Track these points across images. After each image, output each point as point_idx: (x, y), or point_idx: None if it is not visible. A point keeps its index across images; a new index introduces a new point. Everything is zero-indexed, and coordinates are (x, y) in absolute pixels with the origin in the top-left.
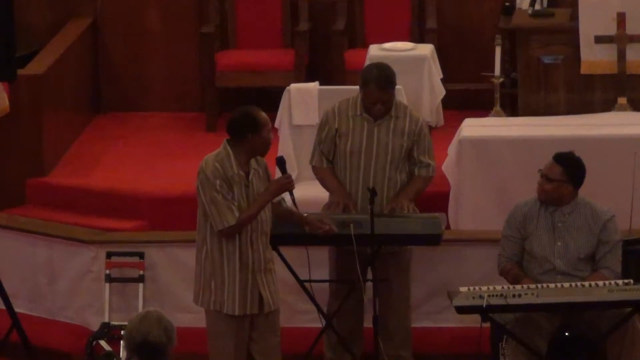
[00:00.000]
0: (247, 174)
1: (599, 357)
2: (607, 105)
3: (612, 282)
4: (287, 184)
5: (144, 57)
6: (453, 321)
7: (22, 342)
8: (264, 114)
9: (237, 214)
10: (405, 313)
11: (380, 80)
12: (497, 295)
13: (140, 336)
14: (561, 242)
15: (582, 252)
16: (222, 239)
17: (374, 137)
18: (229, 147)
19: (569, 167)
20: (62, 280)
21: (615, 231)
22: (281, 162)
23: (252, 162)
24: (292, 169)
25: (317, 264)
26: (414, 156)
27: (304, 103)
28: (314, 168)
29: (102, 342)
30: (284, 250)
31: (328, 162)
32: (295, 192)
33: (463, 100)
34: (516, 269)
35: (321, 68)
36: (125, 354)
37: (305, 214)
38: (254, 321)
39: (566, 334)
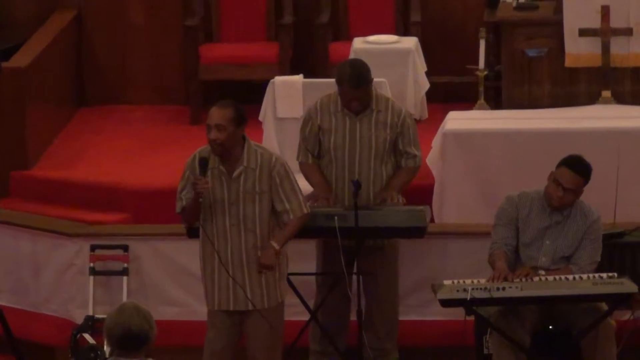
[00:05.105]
0: (231, 171)
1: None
2: (591, 98)
3: (597, 275)
4: (195, 185)
5: (128, 49)
6: (437, 314)
7: (6, 335)
8: (212, 109)
9: (183, 204)
10: (391, 307)
11: (353, 80)
12: (481, 289)
13: (121, 328)
14: (550, 241)
15: (568, 250)
16: (201, 232)
17: (356, 131)
18: None
19: (586, 176)
20: (46, 273)
21: (597, 231)
22: (200, 164)
23: (249, 159)
24: None
25: (304, 257)
26: (399, 148)
27: (288, 96)
28: (300, 164)
29: (86, 335)
30: None
31: (313, 158)
32: None
33: (447, 93)
34: (500, 253)
35: (305, 61)
36: (108, 348)
37: (274, 244)
38: (244, 318)
39: (550, 327)
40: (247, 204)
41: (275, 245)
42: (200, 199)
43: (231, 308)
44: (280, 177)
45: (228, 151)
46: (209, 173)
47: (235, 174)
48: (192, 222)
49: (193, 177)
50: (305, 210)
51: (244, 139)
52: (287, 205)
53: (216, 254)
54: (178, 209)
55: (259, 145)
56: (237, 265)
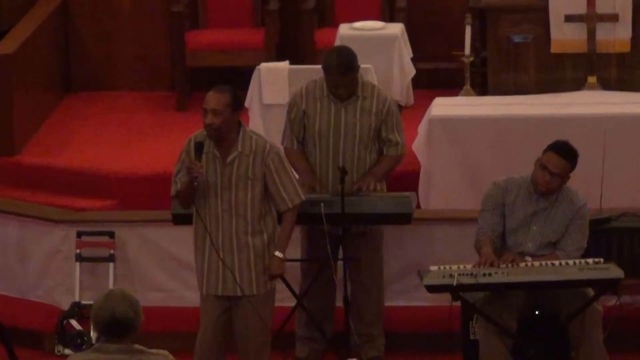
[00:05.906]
0: (225, 155)
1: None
2: (577, 84)
3: (583, 261)
4: (189, 169)
5: (114, 36)
6: (424, 300)
7: None
8: (209, 94)
9: (178, 187)
10: (377, 292)
11: (341, 67)
12: (467, 274)
13: (107, 314)
14: (536, 227)
15: (555, 236)
16: (194, 217)
17: (341, 118)
18: None
19: (573, 161)
20: (33, 259)
21: (584, 217)
22: (196, 148)
23: (243, 145)
24: None
25: (290, 243)
26: (382, 135)
27: (274, 82)
28: (285, 149)
29: (73, 321)
30: None
31: (298, 144)
32: None
33: (433, 80)
34: (486, 238)
35: (291, 47)
36: (95, 334)
37: (279, 254)
38: (234, 303)
39: (536, 312)
40: (239, 190)
41: (280, 255)
42: (195, 184)
43: (219, 293)
44: (275, 165)
45: (223, 136)
46: (203, 157)
47: (229, 159)
48: (187, 205)
49: (188, 161)
50: (302, 197)
51: (239, 124)
52: (283, 194)
53: (208, 236)
54: (173, 192)
55: (254, 132)
56: (227, 250)
